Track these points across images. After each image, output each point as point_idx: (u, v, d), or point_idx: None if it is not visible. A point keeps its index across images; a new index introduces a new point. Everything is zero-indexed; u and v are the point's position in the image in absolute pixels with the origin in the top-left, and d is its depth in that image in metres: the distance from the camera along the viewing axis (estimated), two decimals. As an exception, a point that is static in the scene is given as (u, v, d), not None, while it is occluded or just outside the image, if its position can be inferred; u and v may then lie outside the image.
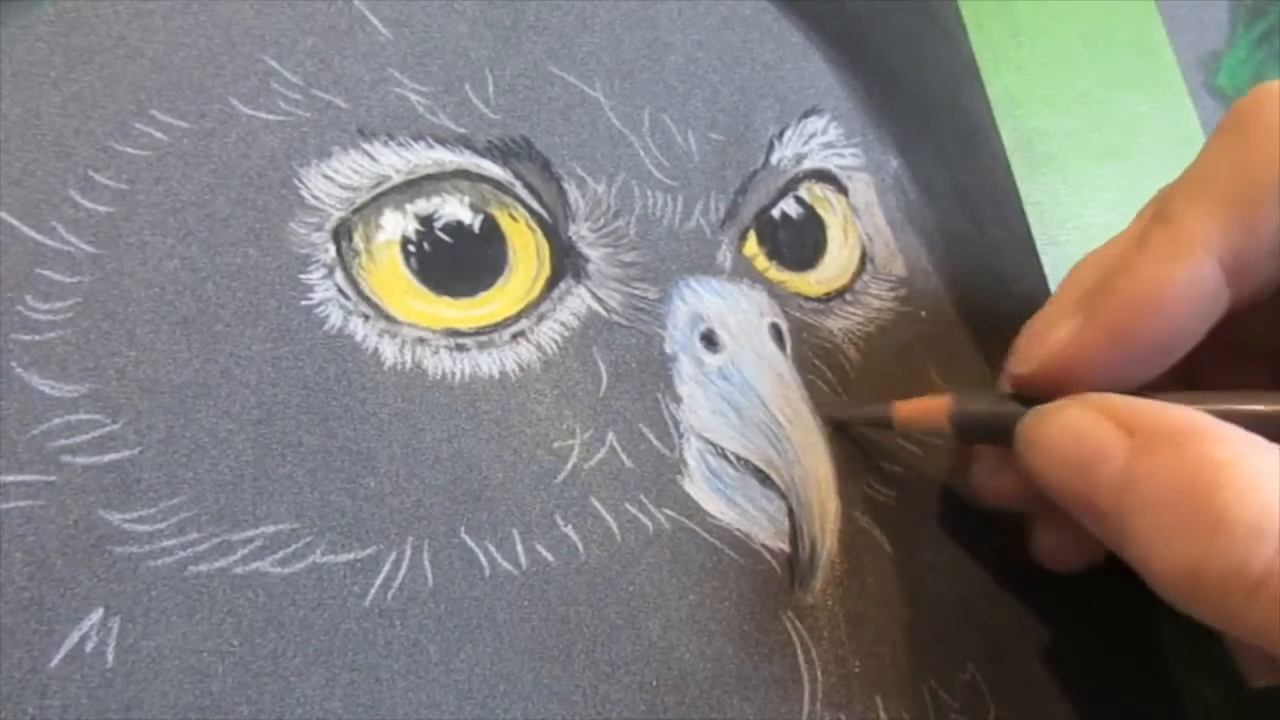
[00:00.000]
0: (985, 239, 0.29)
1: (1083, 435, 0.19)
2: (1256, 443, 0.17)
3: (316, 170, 0.22)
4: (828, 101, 0.28)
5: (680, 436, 0.23)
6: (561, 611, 0.21)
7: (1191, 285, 0.20)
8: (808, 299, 0.26)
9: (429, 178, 0.22)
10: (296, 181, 0.21)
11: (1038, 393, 0.21)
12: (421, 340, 0.21)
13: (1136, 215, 0.23)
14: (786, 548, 0.23)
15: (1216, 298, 0.20)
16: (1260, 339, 0.23)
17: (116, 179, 0.20)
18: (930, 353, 0.27)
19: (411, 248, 0.22)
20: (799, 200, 0.26)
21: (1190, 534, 0.17)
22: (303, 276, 0.21)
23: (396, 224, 0.22)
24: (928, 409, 0.23)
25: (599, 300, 0.23)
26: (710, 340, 0.24)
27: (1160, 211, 0.21)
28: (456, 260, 0.22)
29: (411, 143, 0.22)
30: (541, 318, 0.23)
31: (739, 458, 0.23)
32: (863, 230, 0.27)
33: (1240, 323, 0.21)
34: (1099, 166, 0.31)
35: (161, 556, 0.18)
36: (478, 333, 0.22)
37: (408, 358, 0.21)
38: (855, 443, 0.25)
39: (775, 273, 0.25)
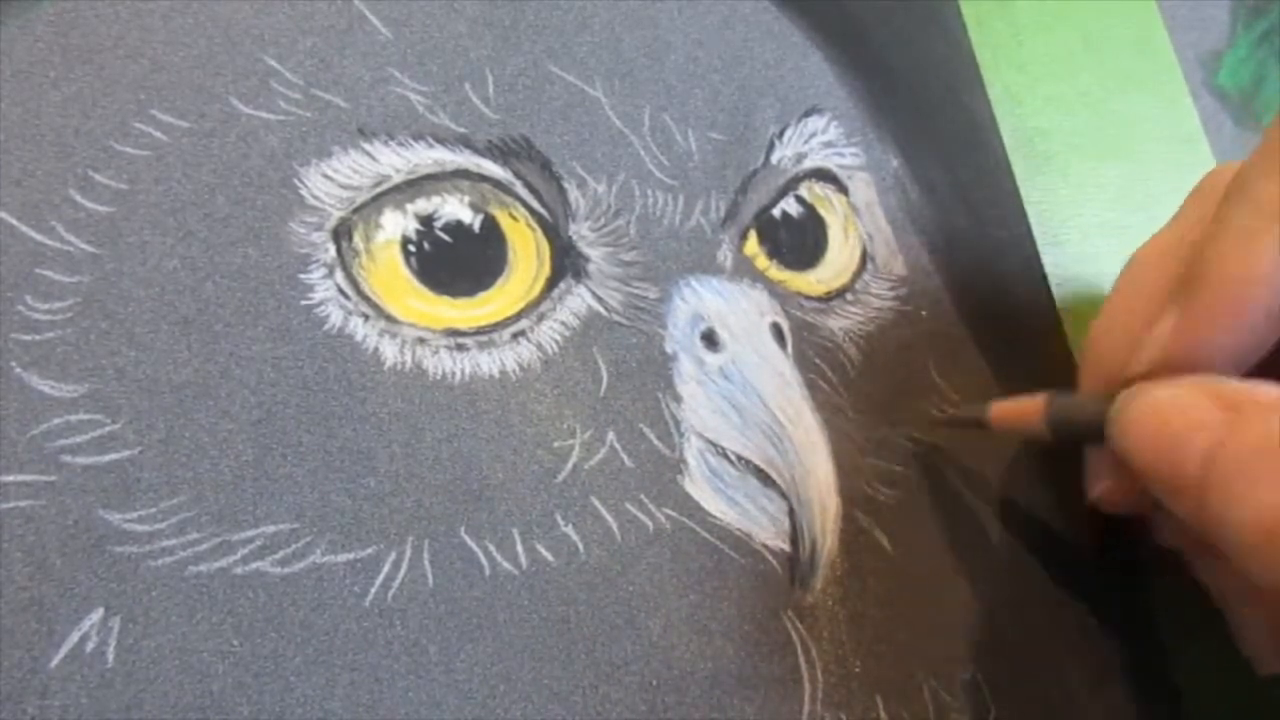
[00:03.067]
0: (985, 239, 0.29)
1: (1179, 409, 0.19)
2: None
3: (316, 170, 0.22)
4: (828, 101, 0.28)
5: (681, 436, 0.23)
6: (561, 611, 0.21)
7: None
8: (808, 298, 0.26)
9: (429, 177, 0.22)
10: (296, 181, 0.21)
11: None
12: (421, 340, 0.21)
13: (1187, 203, 0.22)
14: (787, 547, 0.23)
15: None
16: None
17: (116, 179, 0.20)
18: (931, 352, 0.27)
19: (411, 247, 0.22)
20: (799, 199, 0.26)
21: (1271, 487, 0.17)
22: (303, 276, 0.21)
23: (396, 224, 0.22)
24: (1023, 410, 0.23)
25: (599, 300, 0.23)
26: (711, 339, 0.24)
27: (1236, 187, 0.21)
28: (456, 260, 0.22)
29: (412, 142, 0.22)
30: (542, 317, 0.23)
31: (740, 457, 0.23)
32: (863, 229, 0.27)
33: None
34: (1099, 166, 0.31)
35: (161, 556, 0.18)
36: (478, 332, 0.22)
37: (408, 357, 0.21)
38: (856, 442, 0.25)
39: (776, 272, 0.25)
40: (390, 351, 0.21)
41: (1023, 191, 0.30)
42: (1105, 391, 0.22)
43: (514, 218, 0.23)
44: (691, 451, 0.23)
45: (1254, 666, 0.23)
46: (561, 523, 0.21)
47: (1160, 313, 0.22)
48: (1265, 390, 0.19)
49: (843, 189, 0.27)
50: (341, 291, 0.21)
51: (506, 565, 0.21)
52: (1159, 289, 0.22)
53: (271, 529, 0.19)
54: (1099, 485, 0.24)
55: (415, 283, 0.22)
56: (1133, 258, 0.24)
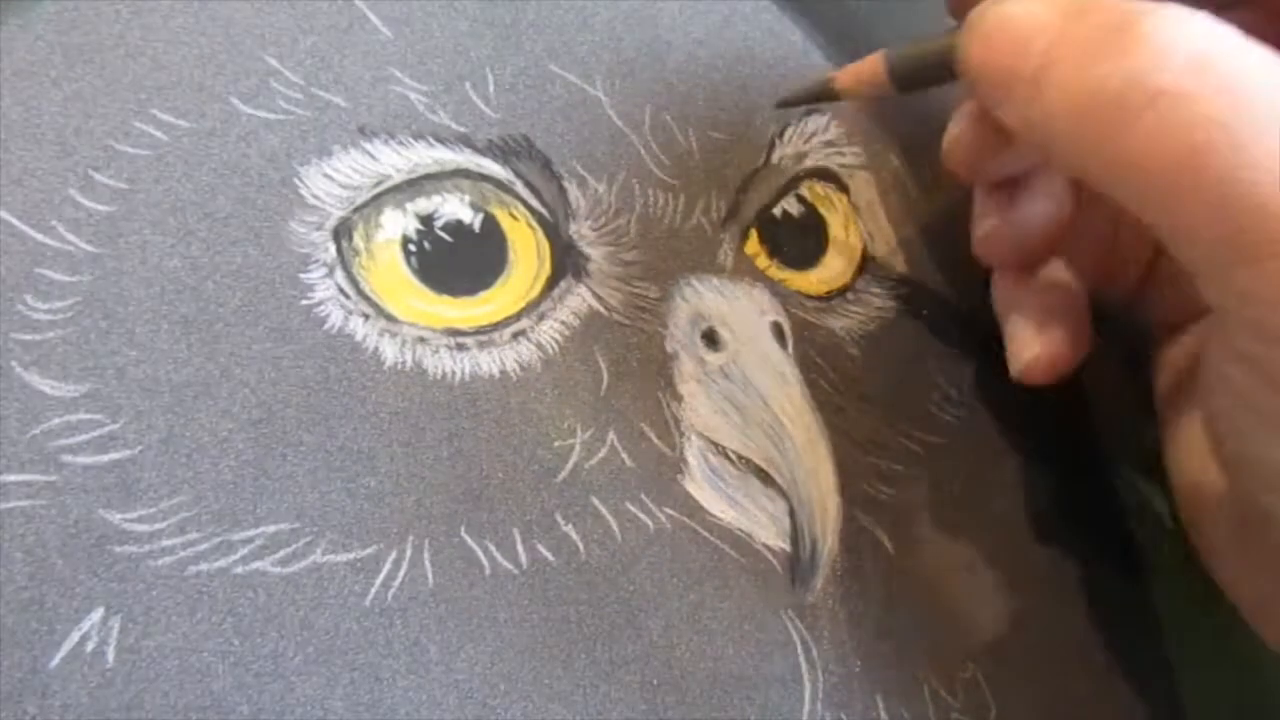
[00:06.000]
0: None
1: (1026, 14, 0.19)
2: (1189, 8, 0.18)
3: (317, 169, 0.22)
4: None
5: (681, 435, 0.23)
6: (562, 611, 0.21)
7: None
8: (809, 297, 0.26)
9: (429, 177, 0.22)
10: (297, 180, 0.21)
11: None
12: (422, 339, 0.21)
13: None
14: (787, 547, 0.23)
15: None
16: None
17: (117, 178, 0.20)
18: (931, 351, 0.27)
19: (412, 247, 0.22)
20: (800, 199, 0.26)
21: (1100, 58, 0.17)
22: (303, 276, 0.21)
23: (397, 223, 0.22)
24: (864, 69, 0.23)
25: (600, 299, 0.23)
26: (711, 339, 0.24)
27: None
28: (457, 259, 0.22)
29: (412, 141, 0.22)
30: (542, 317, 0.23)
31: (740, 456, 0.23)
32: (864, 229, 0.27)
33: None
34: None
35: (162, 556, 0.18)
36: (478, 332, 0.22)
37: (408, 357, 0.21)
38: (856, 442, 0.25)
39: (776, 271, 0.25)
40: (390, 351, 0.21)
41: (1023, 190, 0.29)
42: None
43: (514, 217, 0.23)
44: (692, 451, 0.23)
45: (1010, 365, 0.24)
46: (562, 522, 0.21)
47: None
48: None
49: (843, 188, 0.27)
50: (342, 291, 0.21)
51: (507, 565, 0.21)
52: None
53: (272, 528, 0.19)
54: (981, 227, 0.24)
55: (415, 282, 0.22)
56: None
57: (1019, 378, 0.24)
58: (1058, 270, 0.25)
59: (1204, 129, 0.16)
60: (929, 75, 0.23)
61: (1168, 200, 0.17)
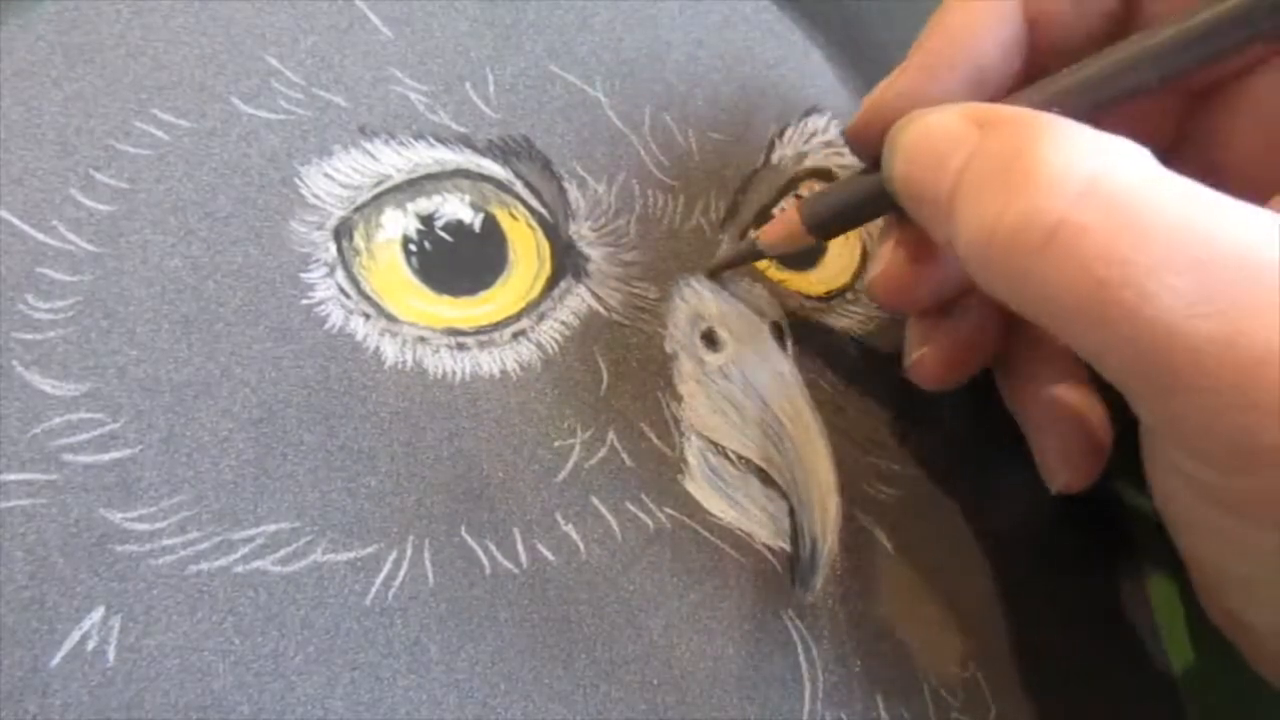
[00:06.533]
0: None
1: (942, 128, 0.19)
2: (1084, 126, 0.17)
3: (317, 169, 0.22)
4: (828, 100, 0.28)
5: (681, 435, 0.23)
6: (562, 611, 0.21)
7: (990, 12, 0.22)
8: (809, 298, 0.26)
9: (430, 177, 0.22)
10: (297, 180, 0.21)
11: (874, 150, 0.21)
12: (422, 339, 0.21)
13: None
14: (787, 547, 0.23)
15: (1016, 26, 0.22)
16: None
17: (117, 178, 0.20)
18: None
19: (412, 246, 0.22)
20: (799, 199, 0.26)
21: (997, 192, 0.17)
22: (303, 275, 0.21)
23: (397, 223, 0.22)
24: (781, 226, 0.23)
25: (599, 299, 0.23)
26: (711, 339, 0.24)
27: None
28: (457, 259, 0.22)
29: (412, 142, 0.22)
30: (542, 317, 0.23)
31: (740, 456, 0.23)
32: (863, 229, 0.27)
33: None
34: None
35: (162, 555, 0.18)
36: (478, 332, 0.22)
37: (408, 357, 0.21)
38: (856, 442, 0.25)
39: (776, 271, 0.25)
40: (391, 351, 0.21)
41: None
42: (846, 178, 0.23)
43: (514, 217, 0.23)
44: (692, 451, 0.23)
45: (1047, 485, 0.24)
46: (562, 522, 0.21)
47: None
48: (1016, 109, 0.19)
49: (843, 189, 0.27)
50: (342, 291, 0.21)
51: (507, 564, 0.21)
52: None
53: (272, 528, 0.19)
54: (915, 353, 0.24)
55: (416, 282, 0.22)
56: None
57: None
58: (1065, 389, 0.25)
59: (1103, 264, 0.16)
60: (846, 219, 0.23)
61: (1081, 331, 0.16)
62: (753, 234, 0.24)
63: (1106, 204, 0.16)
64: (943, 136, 0.19)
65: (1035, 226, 0.16)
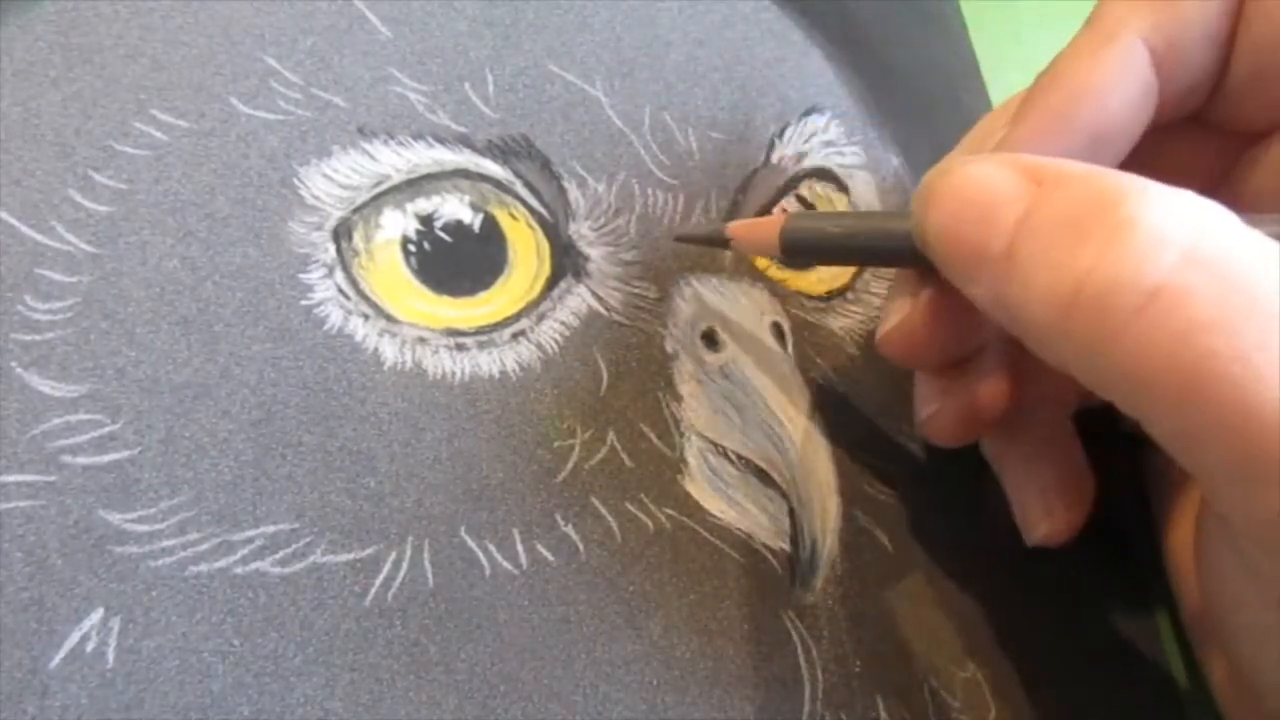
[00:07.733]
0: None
1: (989, 181, 0.17)
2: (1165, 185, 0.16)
3: (316, 169, 0.22)
4: (828, 100, 0.28)
5: (681, 435, 0.23)
6: (562, 611, 0.21)
7: (1119, 66, 0.20)
8: (809, 297, 0.26)
9: (429, 177, 0.22)
10: (296, 181, 0.21)
11: None
12: (421, 340, 0.21)
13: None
14: (787, 547, 0.23)
15: (1146, 82, 0.20)
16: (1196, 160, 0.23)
17: (116, 178, 0.20)
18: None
19: (411, 247, 0.22)
20: (800, 199, 0.26)
21: (1083, 244, 0.15)
22: (302, 276, 0.21)
23: (396, 223, 0.22)
24: (758, 229, 0.22)
25: (599, 299, 0.23)
26: (711, 339, 0.24)
27: (1088, 18, 0.21)
28: (456, 259, 0.22)
29: (411, 142, 0.22)
30: (542, 317, 0.23)
31: (740, 456, 0.23)
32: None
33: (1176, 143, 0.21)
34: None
35: (162, 556, 0.18)
36: (478, 332, 0.22)
37: (408, 357, 0.21)
38: (856, 442, 0.25)
39: (776, 271, 0.25)
40: (390, 351, 0.21)
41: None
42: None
43: (514, 217, 0.23)
44: (692, 451, 0.23)
45: (1024, 537, 0.24)
46: (561, 522, 0.21)
47: (995, 128, 0.21)
48: (1074, 164, 0.17)
49: (843, 188, 0.27)
50: (341, 291, 0.21)
51: (506, 565, 0.21)
52: (998, 126, 0.21)
53: (271, 529, 0.19)
54: (926, 409, 0.23)
55: (415, 282, 0.22)
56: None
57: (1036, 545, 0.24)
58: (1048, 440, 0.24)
59: (1206, 335, 0.14)
60: (825, 253, 0.22)
61: (1167, 411, 0.15)
62: (727, 224, 0.23)
63: (1211, 269, 0.14)
64: (991, 188, 0.17)
65: (1131, 289, 0.14)
